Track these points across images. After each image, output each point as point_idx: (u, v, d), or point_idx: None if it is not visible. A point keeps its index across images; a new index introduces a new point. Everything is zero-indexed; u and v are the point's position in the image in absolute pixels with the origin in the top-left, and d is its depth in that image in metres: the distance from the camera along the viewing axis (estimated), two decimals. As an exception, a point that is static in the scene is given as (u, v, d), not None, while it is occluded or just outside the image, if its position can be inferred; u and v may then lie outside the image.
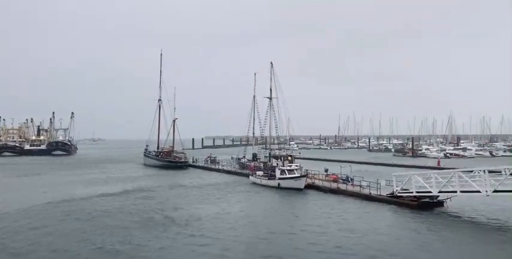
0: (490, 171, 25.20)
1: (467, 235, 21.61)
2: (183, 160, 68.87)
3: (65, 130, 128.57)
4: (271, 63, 51.62)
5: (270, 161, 49.90)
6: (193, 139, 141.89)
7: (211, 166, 64.83)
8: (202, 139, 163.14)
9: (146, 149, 76.81)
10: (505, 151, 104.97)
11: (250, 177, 46.06)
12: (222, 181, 46.76)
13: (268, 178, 41.95)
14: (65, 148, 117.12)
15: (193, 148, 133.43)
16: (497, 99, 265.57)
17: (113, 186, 41.82)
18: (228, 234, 21.35)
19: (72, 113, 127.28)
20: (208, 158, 69.84)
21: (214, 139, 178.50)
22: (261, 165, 51.52)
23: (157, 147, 74.51)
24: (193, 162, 70.08)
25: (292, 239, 20.52)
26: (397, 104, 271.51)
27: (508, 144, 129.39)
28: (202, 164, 67.80)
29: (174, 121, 72.58)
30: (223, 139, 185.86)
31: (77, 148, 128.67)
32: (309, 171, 42.75)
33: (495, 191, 24.15)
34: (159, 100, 75.16)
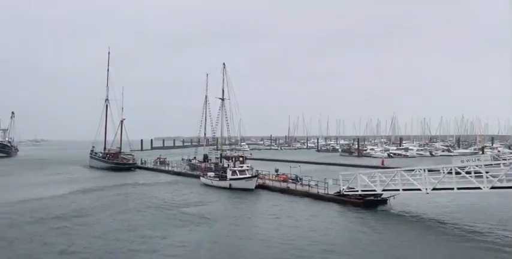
0: (429, 170, 26.77)
1: (408, 230, 22.85)
2: (131, 162, 67.31)
3: (4, 131, 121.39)
4: (224, 64, 51.72)
5: (221, 162, 49.93)
6: (142, 140, 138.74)
7: (160, 167, 63.80)
8: (152, 140, 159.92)
9: (92, 150, 74.18)
10: (443, 151, 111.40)
11: (201, 178, 45.87)
12: (171, 182, 46.23)
13: (220, 179, 41.97)
14: (4, 149, 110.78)
15: (142, 149, 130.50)
16: (436, 101, 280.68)
17: (51, 189, 40.00)
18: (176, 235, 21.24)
19: (13, 113, 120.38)
20: (158, 160, 68.67)
21: (164, 141, 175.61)
22: (212, 166, 51.42)
23: (104, 149, 72.24)
24: (141, 163, 68.68)
25: (242, 239, 20.72)
26: (344, 105, 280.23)
27: (446, 144, 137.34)
28: (152, 166, 66.60)
29: (121, 121, 70.82)
30: (174, 140, 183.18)
31: (18, 150, 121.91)
32: (259, 171, 43.21)
33: (434, 189, 25.64)
34: (106, 100, 72.97)
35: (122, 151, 69.98)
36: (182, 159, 64.73)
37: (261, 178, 41.45)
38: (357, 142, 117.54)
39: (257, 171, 42.68)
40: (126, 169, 64.10)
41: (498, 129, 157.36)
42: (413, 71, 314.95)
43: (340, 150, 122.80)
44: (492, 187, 22.92)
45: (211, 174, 44.77)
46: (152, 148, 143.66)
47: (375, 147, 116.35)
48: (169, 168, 60.90)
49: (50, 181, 48.69)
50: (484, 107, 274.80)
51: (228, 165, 45.24)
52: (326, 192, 32.87)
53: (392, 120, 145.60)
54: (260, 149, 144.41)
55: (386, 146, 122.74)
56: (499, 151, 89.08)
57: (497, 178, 23.01)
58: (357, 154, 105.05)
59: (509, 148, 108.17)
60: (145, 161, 69.34)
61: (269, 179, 41.80)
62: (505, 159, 38.16)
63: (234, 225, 24.05)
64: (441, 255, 18.02)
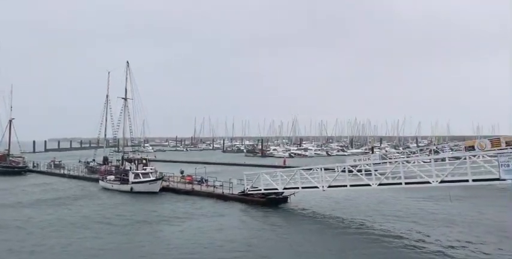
0: (325, 169, 28.66)
1: (306, 225, 24.29)
2: (21, 165, 61.76)
3: None
4: (127, 62, 49.79)
5: (123, 165, 48.02)
6: (34, 141, 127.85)
7: (55, 171, 59.43)
8: (46, 141, 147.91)
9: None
10: (338, 151, 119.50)
11: (100, 181, 43.69)
12: (66, 186, 43.33)
13: (121, 183, 40.41)
14: None
15: (34, 151, 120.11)
16: (333, 104, 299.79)
17: None
18: (62, 243, 20.12)
19: None
20: (52, 162, 63.92)
21: (59, 142, 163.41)
22: (113, 169, 49.25)
23: (-11, 151, 65.24)
24: (33, 167, 63.45)
25: (144, 245, 20.23)
26: (250, 107, 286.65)
27: (341, 144, 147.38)
28: (45, 169, 61.81)
29: (10, 121, 64.61)
30: (70, 141, 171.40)
31: None
32: (164, 173, 42.47)
33: (330, 186, 27.50)
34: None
35: (10, 153, 63.91)
36: (80, 161, 61.08)
37: (166, 181, 40.77)
38: (261, 143, 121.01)
39: (161, 173, 41.90)
40: (15, 173, 58.70)
41: (386, 130, 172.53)
42: (317, 74, 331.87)
43: (245, 150, 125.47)
44: (380, 184, 25.23)
45: (112, 177, 42.92)
46: (46, 150, 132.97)
47: (278, 148, 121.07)
48: (65, 172, 57.00)
49: None
50: (374, 110, 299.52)
51: (131, 167, 43.73)
52: (231, 192, 33.47)
53: (293, 121, 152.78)
54: (165, 151, 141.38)
55: (288, 146, 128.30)
56: (386, 151, 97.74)
57: (384, 176, 25.44)
58: (260, 154, 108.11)
59: (395, 148, 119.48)
60: (37, 164, 64.20)
61: (174, 181, 41.28)
62: (391, 158, 42.22)
63: (135, 230, 23.22)
64: (334, 246, 19.51)
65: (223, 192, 34.02)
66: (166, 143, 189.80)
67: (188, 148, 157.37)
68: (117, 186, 40.47)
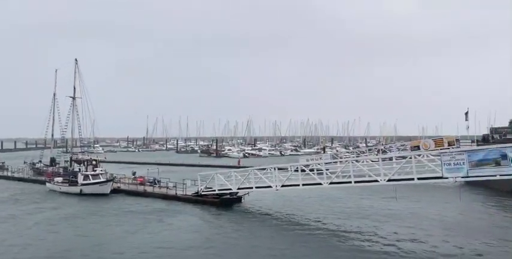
0: (279, 168, 29.09)
1: (259, 224, 24.65)
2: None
3: None
4: (76, 59, 48.06)
5: (71, 166, 46.31)
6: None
7: (-3, 173, 56.31)
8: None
9: None
10: (292, 151, 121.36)
11: (47, 184, 41.88)
12: (9, 190, 41.18)
13: (69, 185, 38.99)
14: None
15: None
16: (287, 105, 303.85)
17: None
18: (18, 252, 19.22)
19: None
20: (-6, 164, 60.52)
21: (2, 142, 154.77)
22: (61, 170, 47.40)
23: None
24: (-27, 169, 59.75)
25: (92, 250, 19.68)
26: (204, 107, 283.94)
27: (294, 144, 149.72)
28: (-14, 172, 58.34)
29: None
30: (15, 142, 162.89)
31: None
32: (115, 175, 41.42)
33: (283, 185, 27.94)
34: None
35: None
36: (25, 162, 58.24)
37: (117, 182, 39.78)
38: (215, 143, 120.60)
39: (112, 174, 40.81)
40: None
41: (337, 130, 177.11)
42: (272, 74, 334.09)
43: (199, 151, 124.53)
44: (331, 183, 25.96)
45: (60, 179, 41.34)
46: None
47: (232, 148, 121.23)
48: (9, 174, 54.13)
49: None
50: (326, 110, 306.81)
51: (80, 169, 42.29)
52: (184, 193, 33.18)
53: (248, 122, 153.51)
54: (116, 151, 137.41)
55: (242, 147, 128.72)
56: (337, 150, 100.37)
57: (335, 175, 26.19)
58: (215, 154, 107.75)
59: (346, 148, 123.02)
60: (-24, 166, 60.50)
61: (125, 183, 40.37)
62: (342, 158, 43.48)
63: (81, 235, 22.20)
64: (286, 243, 19.91)
65: (176, 193, 33.66)
66: (118, 144, 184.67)
67: (140, 149, 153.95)
68: (65, 188, 39.01)
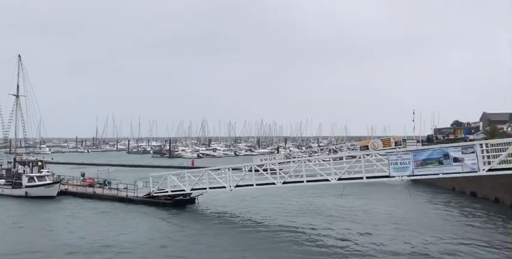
0: (233, 169, 29.15)
1: (211, 224, 24.63)
2: None
3: None
4: (19, 56, 45.68)
5: (15, 167, 43.99)
6: None
7: None
8: None
9: None
10: (246, 151, 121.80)
11: (-13, 186, 39.57)
12: None
13: (13, 187, 37.05)
14: None
15: None
16: (242, 106, 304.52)
17: None
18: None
19: None
20: None
21: None
22: (4, 172, 44.91)
23: None
24: None
25: (36, 247, 18.91)
26: (158, 106, 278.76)
27: (248, 144, 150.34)
28: None
29: None
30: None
31: None
32: (63, 176, 39.80)
33: (237, 186, 28.06)
34: None
35: None
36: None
37: (64, 184, 38.27)
38: (169, 144, 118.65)
39: (59, 176, 39.22)
40: None
41: (290, 131, 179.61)
42: (231, 79, 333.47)
43: (151, 151, 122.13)
44: (284, 182, 26.37)
45: (2, 181, 39.19)
46: None
47: (186, 148, 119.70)
48: None
49: None
50: (280, 112, 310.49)
51: (24, 170, 40.26)
52: (136, 194, 32.45)
53: (202, 122, 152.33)
54: (64, 152, 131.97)
55: (197, 147, 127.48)
56: (290, 150, 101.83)
57: (288, 175, 26.59)
58: (168, 155, 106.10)
59: (299, 148, 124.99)
60: None
61: (74, 184, 38.91)
62: (295, 158, 44.16)
63: (27, 240, 21.24)
64: (239, 241, 20.06)
65: (127, 195, 32.85)
66: (66, 144, 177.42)
67: (90, 150, 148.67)
68: (8, 190, 37.07)
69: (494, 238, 20.64)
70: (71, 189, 37.51)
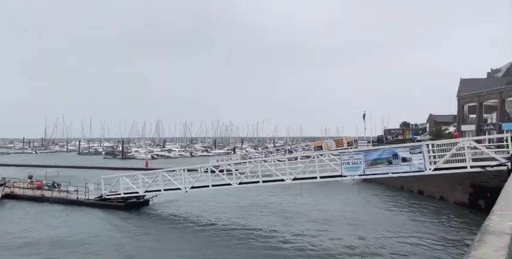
0: (189, 170, 28.89)
1: (165, 226, 24.35)
2: None
3: None
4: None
5: (-47, 170, 41.40)
6: None
7: None
8: None
9: None
10: (202, 152, 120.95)
11: None
12: None
13: (-49, 191, 34.81)
14: None
15: None
16: (197, 106, 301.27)
17: None
18: None
19: None
20: None
21: None
22: None
23: None
24: None
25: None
26: (110, 106, 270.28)
27: (205, 145, 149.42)
28: None
29: None
30: None
31: None
32: (8, 179, 37.84)
33: (192, 187, 27.84)
34: None
35: None
36: None
37: (10, 187, 36.39)
38: (121, 145, 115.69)
39: (4, 178, 37.26)
40: None
41: (247, 131, 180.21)
42: (186, 78, 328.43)
43: (103, 152, 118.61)
44: (240, 183, 26.43)
45: None
46: None
47: (140, 149, 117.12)
48: None
49: None
50: (236, 112, 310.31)
51: (-36, 173, 37.93)
52: (86, 197, 31.41)
53: (157, 122, 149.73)
54: (9, 153, 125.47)
55: (151, 148, 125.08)
56: (247, 151, 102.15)
57: (244, 175, 26.68)
58: (121, 156, 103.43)
59: (255, 148, 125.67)
60: None
61: (20, 187, 37.06)
62: (251, 158, 44.37)
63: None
64: (193, 243, 20.07)
65: (78, 198, 31.73)
66: (12, 145, 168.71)
67: (38, 151, 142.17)
68: None
69: (438, 232, 21.78)
70: (17, 191, 35.73)
